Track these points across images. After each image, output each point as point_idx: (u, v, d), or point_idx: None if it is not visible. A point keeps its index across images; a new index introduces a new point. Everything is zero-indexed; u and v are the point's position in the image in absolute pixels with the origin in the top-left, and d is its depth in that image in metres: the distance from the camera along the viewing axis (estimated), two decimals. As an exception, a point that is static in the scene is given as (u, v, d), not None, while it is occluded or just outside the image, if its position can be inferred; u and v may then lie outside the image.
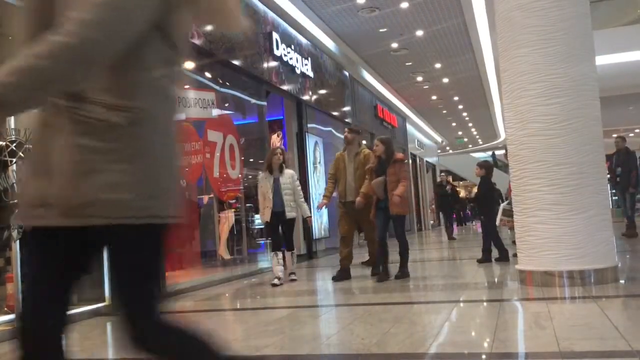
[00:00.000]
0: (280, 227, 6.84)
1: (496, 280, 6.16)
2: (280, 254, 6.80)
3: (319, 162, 12.14)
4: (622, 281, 5.05)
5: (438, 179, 15.01)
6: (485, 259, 7.57)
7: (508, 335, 3.34)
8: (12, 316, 4.60)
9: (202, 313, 5.21)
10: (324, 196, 7.43)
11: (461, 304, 4.68)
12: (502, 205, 7.59)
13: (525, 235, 5.21)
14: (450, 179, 14.22)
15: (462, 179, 37.92)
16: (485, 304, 4.73)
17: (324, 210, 13.40)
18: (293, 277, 7.07)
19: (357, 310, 4.66)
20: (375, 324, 3.94)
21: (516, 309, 4.43)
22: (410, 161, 21.79)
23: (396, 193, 6.20)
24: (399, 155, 6.58)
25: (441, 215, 14.61)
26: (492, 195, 7.96)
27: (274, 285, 6.59)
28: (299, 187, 6.99)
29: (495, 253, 7.58)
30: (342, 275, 6.80)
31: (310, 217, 7.39)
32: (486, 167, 7.95)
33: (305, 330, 4.01)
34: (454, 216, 14.71)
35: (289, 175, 6.89)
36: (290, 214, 6.73)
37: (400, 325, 3.80)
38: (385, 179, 6.33)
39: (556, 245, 4.96)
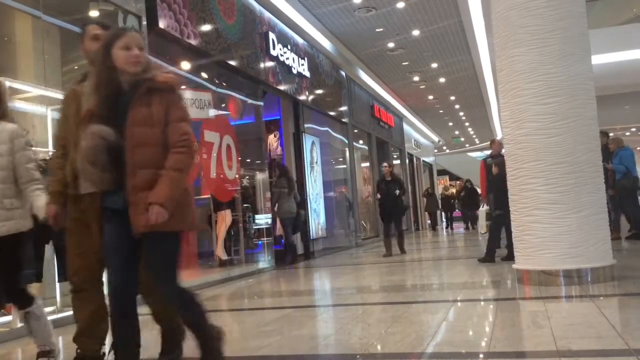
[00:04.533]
0: None
1: (493, 279, 6.17)
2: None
3: (316, 162, 12.13)
4: (619, 280, 5.05)
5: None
6: (488, 258, 7.60)
7: (506, 334, 3.35)
8: (10, 317, 4.58)
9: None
10: (48, 193, 3.02)
11: (459, 304, 4.68)
12: (484, 210, 7.51)
13: (522, 235, 5.22)
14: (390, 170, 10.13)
15: (458, 178, 37.93)
16: (482, 303, 4.73)
17: (321, 208, 13.28)
18: None
19: (354, 310, 4.66)
20: (373, 323, 3.94)
21: (514, 308, 4.43)
22: (407, 161, 21.65)
23: (159, 193, 2.40)
24: (164, 76, 2.60)
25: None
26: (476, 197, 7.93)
27: None
28: (29, 163, 3.22)
29: (497, 252, 7.57)
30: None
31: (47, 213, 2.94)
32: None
33: (303, 330, 4.01)
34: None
35: (5, 135, 3.16)
36: (3, 224, 3.09)
37: (398, 325, 3.81)
38: (116, 134, 2.46)
39: (553, 244, 4.97)
